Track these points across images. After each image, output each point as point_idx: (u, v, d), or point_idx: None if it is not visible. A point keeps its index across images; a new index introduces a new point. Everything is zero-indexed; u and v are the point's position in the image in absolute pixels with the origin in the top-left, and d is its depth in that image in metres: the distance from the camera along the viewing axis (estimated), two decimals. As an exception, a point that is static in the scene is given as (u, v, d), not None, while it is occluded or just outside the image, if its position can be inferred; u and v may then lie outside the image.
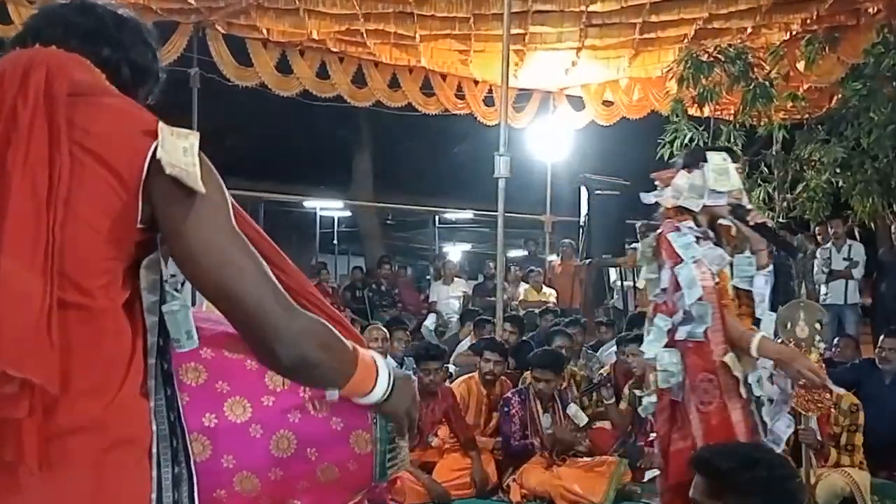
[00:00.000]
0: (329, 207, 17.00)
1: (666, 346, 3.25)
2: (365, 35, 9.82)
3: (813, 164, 9.24)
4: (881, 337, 6.36)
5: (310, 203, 16.60)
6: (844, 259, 8.56)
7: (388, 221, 18.84)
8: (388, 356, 6.46)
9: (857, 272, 8.53)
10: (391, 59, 10.68)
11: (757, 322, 3.36)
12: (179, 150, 1.25)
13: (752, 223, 3.35)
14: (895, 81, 8.55)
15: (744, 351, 3.20)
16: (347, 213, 17.78)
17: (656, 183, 3.48)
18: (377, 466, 1.52)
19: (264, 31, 9.91)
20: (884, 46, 8.41)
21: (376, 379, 1.42)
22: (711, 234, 3.35)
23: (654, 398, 3.36)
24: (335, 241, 17.14)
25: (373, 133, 16.29)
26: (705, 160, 3.36)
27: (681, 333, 3.19)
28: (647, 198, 3.52)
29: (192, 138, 1.28)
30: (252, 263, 1.28)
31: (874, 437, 5.66)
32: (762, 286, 3.37)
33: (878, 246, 9.39)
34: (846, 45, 8.92)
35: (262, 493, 1.52)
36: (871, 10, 8.63)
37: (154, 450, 1.30)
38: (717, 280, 3.21)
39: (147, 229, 1.27)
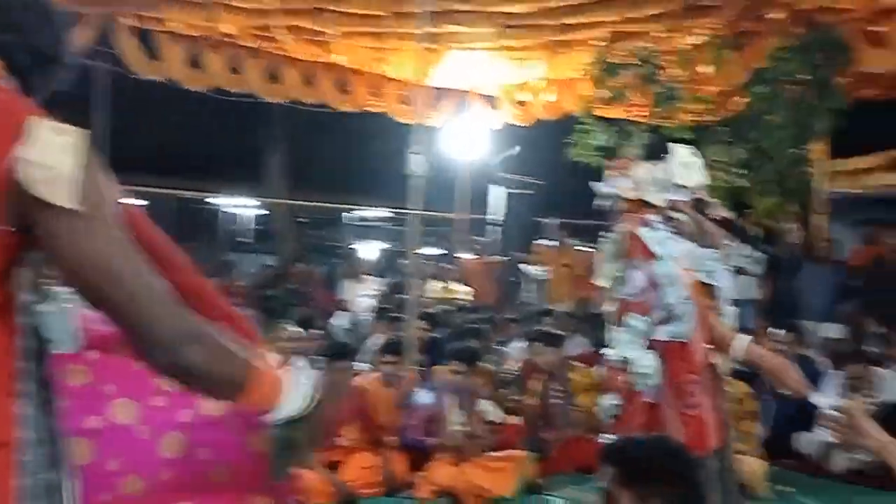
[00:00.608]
0: (241, 205, 16.69)
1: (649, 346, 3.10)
2: (278, 31, 9.66)
3: (717, 164, 9.53)
4: (776, 330, 6.63)
5: (221, 200, 16.27)
6: (744, 256, 8.87)
7: (302, 219, 18.61)
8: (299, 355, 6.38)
9: (757, 269, 8.85)
10: (306, 56, 10.54)
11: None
12: (55, 149, 1.16)
13: (714, 218, 3.32)
14: (796, 85, 8.88)
15: (724, 353, 3.14)
16: (260, 211, 17.49)
17: (609, 174, 3.41)
18: (276, 465, 1.48)
19: (174, 25, 9.65)
20: (786, 51, 8.72)
21: (281, 397, 1.36)
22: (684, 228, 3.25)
23: (615, 401, 3.23)
24: (246, 239, 16.84)
25: (287, 130, 16.05)
26: (669, 153, 3.27)
27: (662, 334, 3.07)
28: (603, 187, 3.43)
29: (74, 136, 1.19)
30: (130, 268, 1.22)
31: (771, 425, 5.91)
32: (725, 281, 3.30)
33: (775, 244, 9.76)
34: (750, 50, 9.23)
35: (152, 495, 1.47)
36: (774, 16, 8.97)
37: (22, 457, 1.22)
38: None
39: (19, 231, 1.19)
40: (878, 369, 5.99)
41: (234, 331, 1.46)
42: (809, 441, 5.93)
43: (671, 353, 3.04)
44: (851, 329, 7.93)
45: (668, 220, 3.26)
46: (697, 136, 9.81)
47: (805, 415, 6.14)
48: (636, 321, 3.12)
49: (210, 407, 1.49)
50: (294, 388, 1.38)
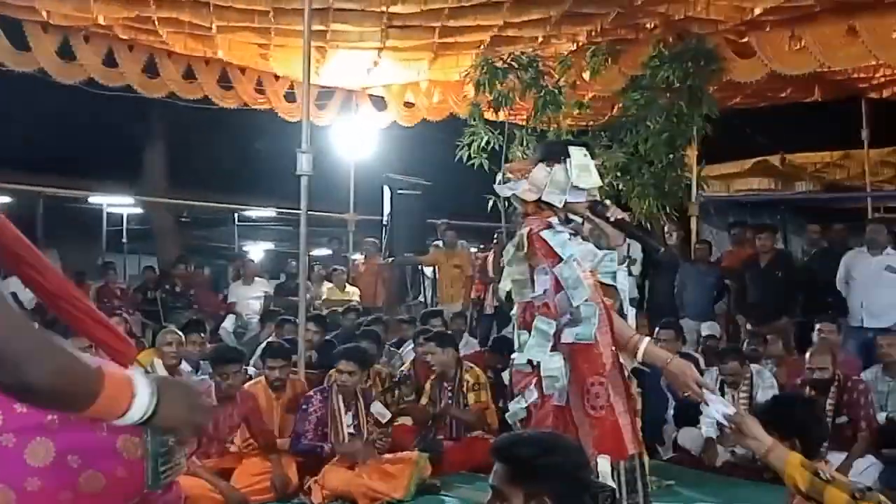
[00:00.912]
0: (117, 203, 15.99)
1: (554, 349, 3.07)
2: (157, 23, 9.32)
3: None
4: (657, 329, 6.91)
5: (96, 199, 15.54)
6: (625, 257, 9.20)
7: (184, 219, 18.03)
8: (183, 361, 6.21)
9: (635, 269, 9.19)
10: (186, 50, 10.21)
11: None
12: None
13: (612, 219, 3.27)
14: (669, 93, 9.27)
15: (628, 354, 3.14)
16: (138, 210, 16.82)
17: (508, 175, 3.43)
18: (149, 472, 1.42)
19: (44, 14, 9.16)
20: (659, 60, 9.07)
21: (132, 400, 1.32)
22: (583, 229, 3.25)
23: (522, 404, 3.17)
24: (124, 240, 16.15)
25: (166, 126, 15.50)
26: (566, 154, 3.24)
27: (567, 336, 3.05)
28: (503, 190, 3.36)
29: None
30: None
31: (652, 421, 6.16)
32: (624, 282, 3.31)
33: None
34: (627, 57, 9.59)
35: None
36: (648, 25, 9.34)
37: None
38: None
39: None
40: (754, 366, 6.35)
41: (99, 334, 1.42)
42: (690, 436, 6.24)
43: (577, 355, 3.06)
44: (726, 328, 8.38)
45: (567, 221, 3.29)
46: (577, 140, 10.14)
47: (685, 411, 6.49)
48: (543, 324, 3.11)
49: None
50: (141, 390, 1.34)
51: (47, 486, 1.40)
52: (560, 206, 3.23)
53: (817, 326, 6.50)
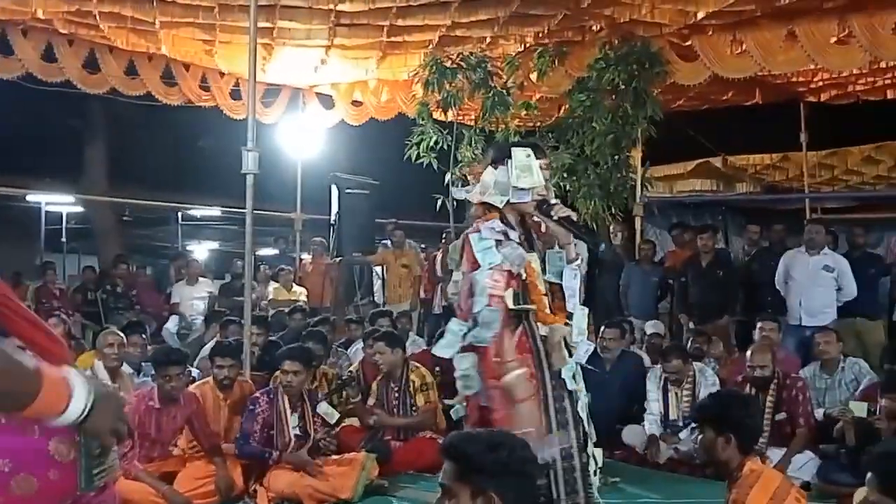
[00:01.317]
0: (56, 202, 15.59)
1: (463, 350, 3.21)
2: (98, 17, 9.11)
3: (543, 168, 9.91)
4: (602, 328, 6.98)
5: (33, 197, 15.13)
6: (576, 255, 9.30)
7: (126, 218, 17.65)
8: (124, 363, 6.08)
9: (581, 268, 9.30)
10: (128, 45, 9.99)
11: (570, 316, 3.40)
12: None
13: (555, 217, 3.34)
14: (615, 95, 9.39)
15: (553, 349, 3.23)
16: (78, 209, 16.41)
17: (470, 179, 3.48)
18: (82, 473, 1.41)
19: (-22, 7, 8.90)
20: (605, 62, 9.18)
21: (69, 400, 1.31)
22: (517, 230, 3.34)
23: (462, 402, 3.34)
24: (63, 239, 15.76)
25: (107, 122, 15.16)
26: (509, 156, 3.32)
27: (468, 338, 3.18)
28: (458, 193, 3.49)
29: None
30: None
31: (597, 419, 6.21)
32: (572, 280, 3.41)
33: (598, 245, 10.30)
34: (573, 59, 9.68)
35: None
36: (594, 28, 9.44)
37: None
38: (524, 277, 3.28)
39: None
40: (697, 364, 6.45)
41: (30, 334, 1.39)
42: (635, 433, 6.31)
43: (480, 356, 3.17)
44: (670, 326, 8.51)
45: (505, 221, 3.35)
46: (524, 141, 10.20)
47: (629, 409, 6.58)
48: (455, 325, 3.23)
49: (6, 417, 1.39)
50: (77, 390, 1.33)
51: None
52: (500, 206, 3.29)
53: (759, 325, 6.63)
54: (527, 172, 3.29)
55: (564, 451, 3.19)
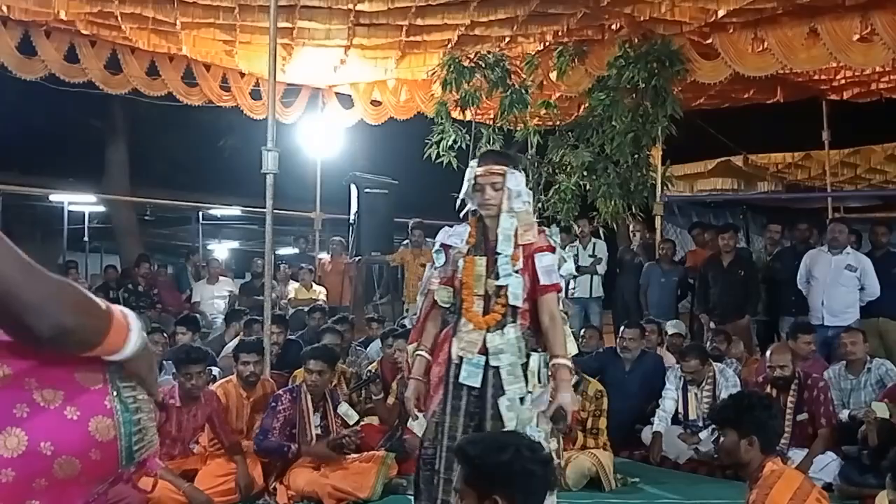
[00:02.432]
0: (79, 201, 15.73)
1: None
2: (120, 19, 9.19)
3: (563, 167, 9.88)
4: (622, 328, 6.95)
5: (56, 197, 15.28)
6: (590, 256, 9.28)
7: (147, 217, 17.79)
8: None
9: (601, 268, 9.27)
10: (149, 46, 10.08)
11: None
12: None
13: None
14: (635, 93, 9.34)
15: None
16: (100, 208, 16.56)
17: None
18: (123, 452, 1.44)
19: (4, 9, 8.99)
20: (625, 60, 9.13)
21: (128, 334, 1.38)
22: (475, 236, 3.58)
23: None
24: (86, 238, 15.90)
25: (129, 122, 15.28)
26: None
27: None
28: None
29: None
30: None
31: (617, 419, 6.20)
32: (560, 280, 3.65)
33: (618, 244, 10.26)
34: (593, 57, 9.64)
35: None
36: (614, 26, 9.40)
37: None
38: (459, 277, 3.54)
39: None
40: (717, 364, 6.41)
41: None
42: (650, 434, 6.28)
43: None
44: (690, 326, 8.46)
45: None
46: (545, 140, 10.19)
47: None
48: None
49: (47, 398, 1.42)
50: (133, 324, 1.39)
51: (22, 475, 1.38)
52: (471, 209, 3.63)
53: (798, 336, 6.47)
54: (466, 181, 3.57)
55: (451, 434, 3.43)
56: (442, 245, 3.61)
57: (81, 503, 1.45)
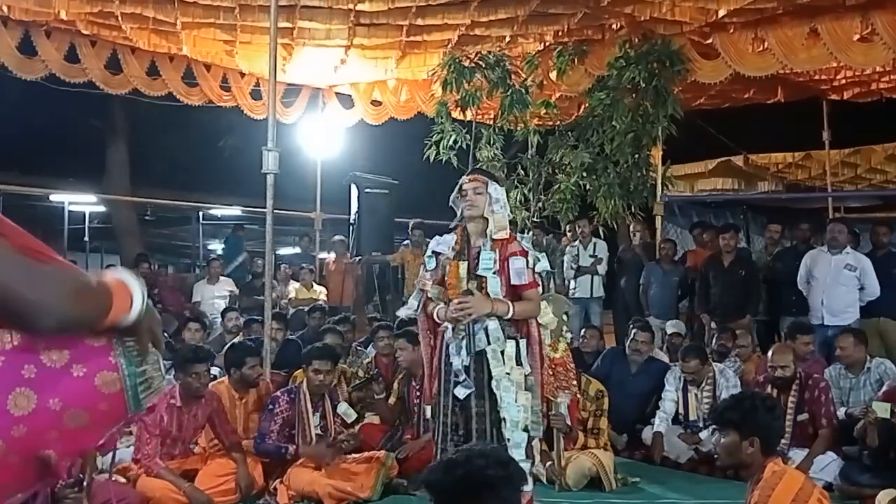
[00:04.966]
0: (79, 201, 15.74)
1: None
2: (120, 19, 9.19)
3: (563, 167, 9.87)
4: (634, 330, 6.92)
5: (56, 196, 15.28)
6: (590, 256, 9.28)
7: (147, 217, 17.80)
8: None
9: (602, 268, 9.27)
10: (149, 46, 10.07)
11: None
12: None
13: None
14: (635, 93, 9.34)
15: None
16: (100, 208, 16.56)
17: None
18: (130, 401, 1.52)
19: (5, 9, 8.99)
20: (625, 60, 9.13)
21: (132, 299, 1.43)
22: (459, 244, 4.17)
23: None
24: (86, 238, 15.90)
25: (129, 122, 15.28)
26: None
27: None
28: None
29: None
30: None
31: (620, 420, 6.21)
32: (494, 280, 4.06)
33: (618, 244, 10.26)
34: (593, 57, 9.64)
35: (10, 452, 1.44)
36: (614, 26, 9.40)
37: None
38: (446, 276, 4.14)
39: None
40: (717, 365, 6.40)
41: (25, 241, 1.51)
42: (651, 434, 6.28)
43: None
44: (690, 326, 8.45)
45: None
46: (545, 140, 10.19)
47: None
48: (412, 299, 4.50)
49: (53, 358, 1.46)
50: (134, 287, 1.45)
51: (34, 429, 1.45)
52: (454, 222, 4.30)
53: (798, 337, 6.45)
54: (455, 191, 4.20)
55: (444, 412, 4.08)
56: (433, 251, 4.28)
57: (95, 444, 1.53)
